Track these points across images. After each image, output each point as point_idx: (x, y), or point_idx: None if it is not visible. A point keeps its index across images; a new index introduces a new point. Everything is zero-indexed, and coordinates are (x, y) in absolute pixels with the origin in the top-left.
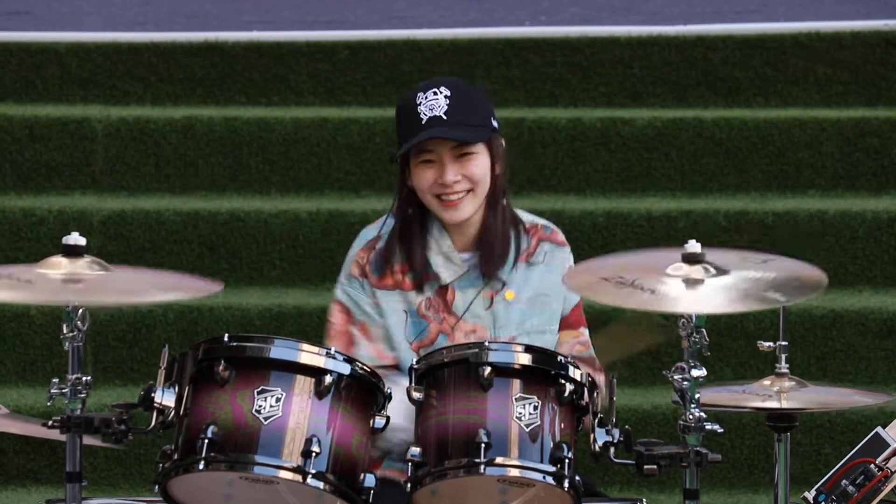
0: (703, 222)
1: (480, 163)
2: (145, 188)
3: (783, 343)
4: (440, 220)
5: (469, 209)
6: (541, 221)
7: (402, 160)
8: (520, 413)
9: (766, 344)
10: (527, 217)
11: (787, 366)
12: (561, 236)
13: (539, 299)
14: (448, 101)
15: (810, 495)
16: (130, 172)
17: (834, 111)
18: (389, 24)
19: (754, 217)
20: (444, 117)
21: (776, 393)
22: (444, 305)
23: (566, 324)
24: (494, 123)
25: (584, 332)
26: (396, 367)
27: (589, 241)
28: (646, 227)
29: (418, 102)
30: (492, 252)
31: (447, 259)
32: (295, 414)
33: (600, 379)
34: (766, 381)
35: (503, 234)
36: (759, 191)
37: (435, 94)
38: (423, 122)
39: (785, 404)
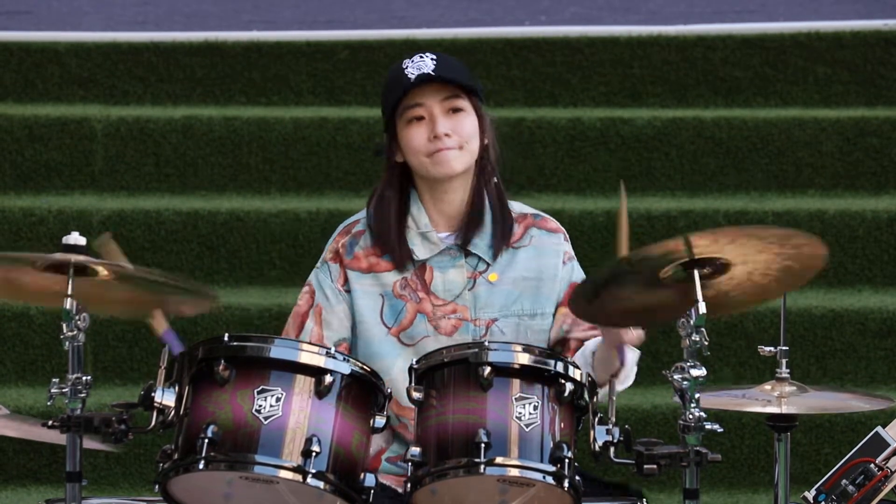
0: (703, 222)
1: (469, 121)
2: (145, 188)
3: (784, 348)
4: (420, 198)
5: (459, 164)
6: (531, 211)
7: (389, 133)
8: (519, 413)
9: (767, 349)
10: (518, 207)
11: (788, 370)
12: (553, 223)
13: (528, 283)
14: (435, 62)
15: (810, 495)
16: (130, 172)
17: (834, 111)
18: (389, 23)
19: (754, 217)
20: (433, 73)
21: (777, 398)
22: (422, 285)
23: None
24: (480, 95)
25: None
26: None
27: (589, 240)
28: (645, 227)
29: (404, 67)
30: (475, 224)
31: (424, 238)
32: (295, 413)
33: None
34: (767, 386)
35: (493, 210)
36: (759, 190)
37: (421, 57)
38: (412, 80)
39: (785, 409)
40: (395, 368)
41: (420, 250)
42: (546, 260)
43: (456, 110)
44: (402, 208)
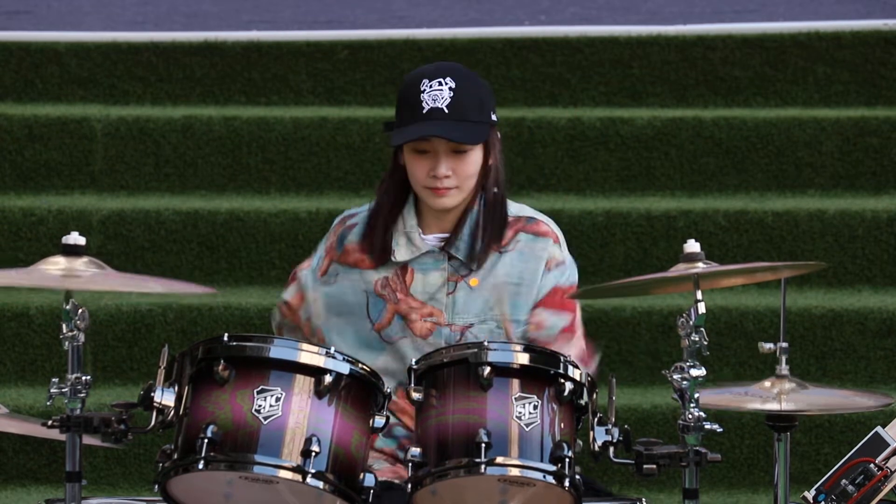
0: (703, 222)
1: (473, 160)
2: (145, 188)
3: (784, 345)
4: (416, 201)
5: (454, 201)
6: (526, 213)
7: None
8: (520, 412)
9: (767, 346)
10: (516, 210)
11: (788, 367)
12: (543, 227)
13: (506, 287)
14: (452, 94)
15: (810, 495)
16: (130, 172)
17: (834, 111)
18: (389, 23)
19: (754, 217)
20: (446, 110)
21: (776, 395)
22: (402, 286)
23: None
24: (494, 117)
25: (542, 314)
26: None
27: (588, 240)
28: (645, 227)
29: (422, 89)
30: (460, 229)
31: (408, 239)
32: (294, 413)
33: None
34: (767, 383)
35: (481, 216)
36: (759, 190)
37: (440, 84)
38: (424, 112)
39: (785, 407)
40: (379, 361)
41: (401, 251)
42: (528, 265)
43: (461, 150)
44: (397, 206)
